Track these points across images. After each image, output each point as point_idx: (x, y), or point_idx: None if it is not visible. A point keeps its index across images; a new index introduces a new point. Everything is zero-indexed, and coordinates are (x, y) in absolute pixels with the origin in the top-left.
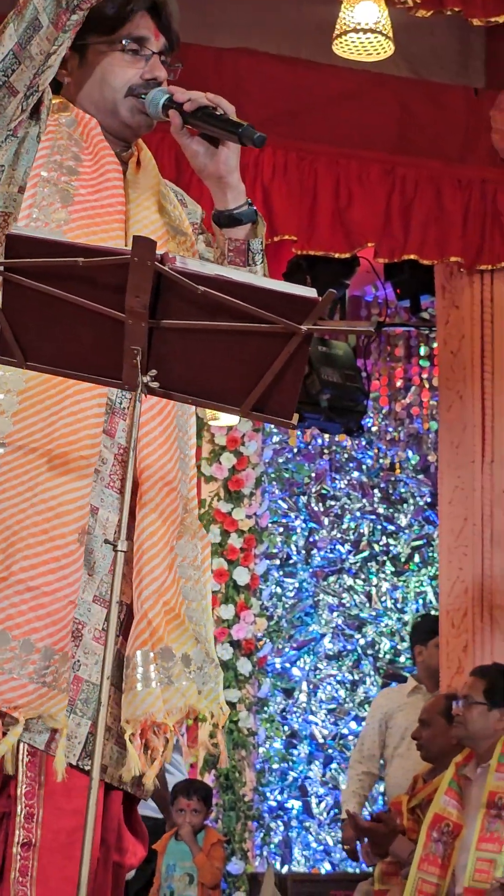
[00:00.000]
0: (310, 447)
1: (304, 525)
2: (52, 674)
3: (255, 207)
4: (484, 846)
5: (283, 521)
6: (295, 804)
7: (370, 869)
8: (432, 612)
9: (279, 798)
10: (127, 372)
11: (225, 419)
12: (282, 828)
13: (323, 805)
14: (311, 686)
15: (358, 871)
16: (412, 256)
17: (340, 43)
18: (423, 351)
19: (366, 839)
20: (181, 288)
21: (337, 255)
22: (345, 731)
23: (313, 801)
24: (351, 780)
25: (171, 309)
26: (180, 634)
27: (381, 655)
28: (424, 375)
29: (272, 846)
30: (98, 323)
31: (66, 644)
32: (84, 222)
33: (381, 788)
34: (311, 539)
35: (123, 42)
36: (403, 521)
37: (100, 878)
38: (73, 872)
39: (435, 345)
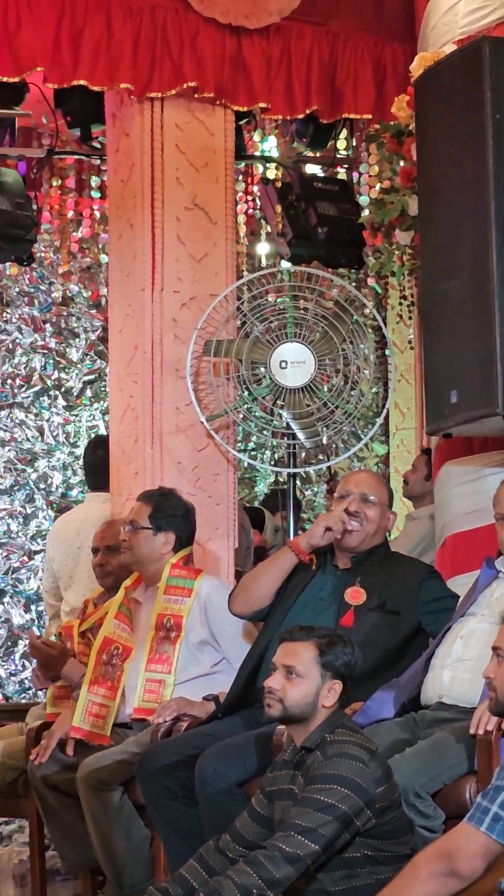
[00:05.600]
0: None
1: None
2: None
3: None
4: (153, 667)
5: None
6: None
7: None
8: None
9: None
10: None
11: None
12: None
13: None
14: None
15: (30, 702)
16: (82, 82)
17: None
18: (94, 182)
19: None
20: None
21: (5, 79)
22: (17, 565)
23: None
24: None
25: None
26: None
27: (53, 489)
28: (96, 207)
29: None
30: None
31: None
32: None
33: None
34: None
35: None
36: (75, 355)
37: None
38: None
39: (106, 177)
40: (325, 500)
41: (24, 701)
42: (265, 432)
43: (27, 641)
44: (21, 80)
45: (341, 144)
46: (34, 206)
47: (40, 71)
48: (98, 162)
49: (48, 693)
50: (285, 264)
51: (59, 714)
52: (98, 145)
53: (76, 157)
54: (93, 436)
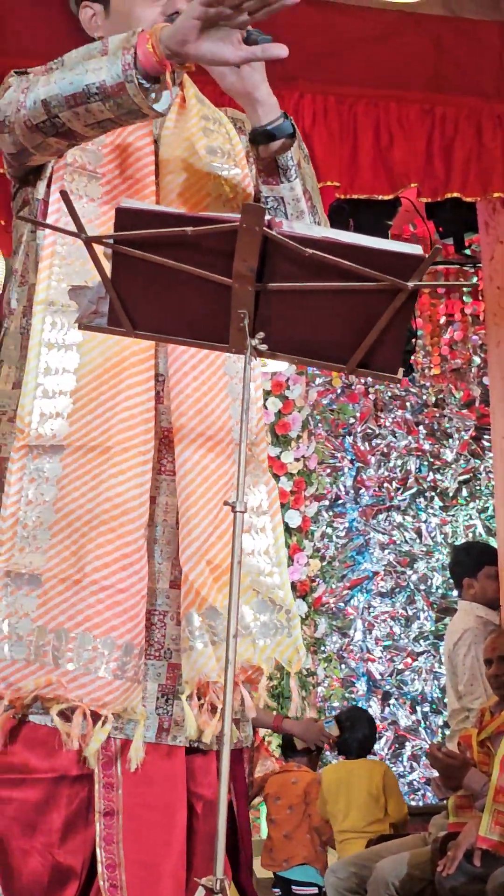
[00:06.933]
0: (353, 388)
1: (351, 465)
2: (133, 668)
3: (291, 120)
4: None
5: (331, 462)
6: None
7: (434, 803)
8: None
9: None
10: (234, 336)
11: (273, 365)
12: None
13: (384, 741)
14: (365, 624)
15: (420, 804)
16: (455, 194)
17: None
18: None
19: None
20: (288, 250)
21: (380, 198)
22: (401, 666)
23: None
24: None
25: (277, 271)
26: None
27: (433, 590)
28: (467, 311)
29: None
30: (204, 288)
31: (141, 637)
32: (114, 204)
33: (440, 721)
34: (358, 478)
35: None
36: (449, 455)
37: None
38: (167, 837)
39: (475, 279)
40: None
41: (412, 803)
42: None
43: (413, 743)
44: (394, 196)
45: None
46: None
47: (414, 186)
48: (470, 267)
49: (450, 803)
50: None
51: (462, 824)
52: (470, 252)
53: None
54: (470, 536)
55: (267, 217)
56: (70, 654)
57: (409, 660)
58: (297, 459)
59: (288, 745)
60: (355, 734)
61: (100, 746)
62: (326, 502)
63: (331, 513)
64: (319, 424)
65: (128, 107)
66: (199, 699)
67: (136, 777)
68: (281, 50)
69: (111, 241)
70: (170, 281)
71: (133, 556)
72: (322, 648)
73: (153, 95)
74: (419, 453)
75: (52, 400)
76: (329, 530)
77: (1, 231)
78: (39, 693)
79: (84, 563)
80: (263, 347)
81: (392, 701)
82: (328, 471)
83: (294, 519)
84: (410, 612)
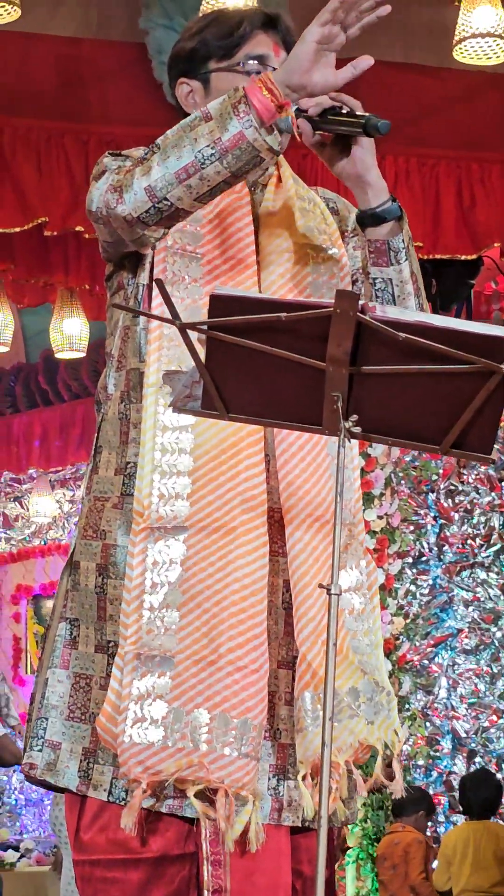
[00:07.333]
0: None
1: (434, 522)
2: (261, 749)
3: (398, 203)
4: None
5: (414, 519)
6: (441, 799)
7: None
8: None
9: None
10: (328, 418)
11: None
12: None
13: None
14: (450, 682)
15: None
16: None
17: (460, 49)
18: None
19: None
20: (381, 334)
21: (462, 258)
22: (486, 724)
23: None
24: None
25: (371, 354)
26: (345, 669)
27: None
28: None
29: None
30: (298, 372)
31: (266, 718)
32: (213, 284)
33: None
34: (442, 535)
35: (241, 63)
36: None
37: None
38: None
39: None
40: None
41: None
42: None
43: None
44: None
45: None
46: None
47: (497, 246)
48: None
49: None
50: None
51: None
52: None
53: None
54: None
55: (360, 301)
56: (208, 735)
57: (494, 717)
58: (380, 517)
59: (396, 806)
60: (478, 795)
61: (211, 824)
62: (410, 559)
63: (414, 570)
64: (402, 482)
65: (248, 154)
66: (312, 779)
67: (244, 855)
68: (367, 61)
69: (205, 327)
70: (263, 364)
71: (261, 637)
72: (406, 706)
73: (273, 136)
74: (503, 510)
75: (171, 481)
76: (412, 587)
77: (84, 294)
78: (180, 775)
79: (218, 644)
80: (357, 430)
81: (478, 759)
82: (411, 528)
83: (378, 577)
84: (495, 670)
